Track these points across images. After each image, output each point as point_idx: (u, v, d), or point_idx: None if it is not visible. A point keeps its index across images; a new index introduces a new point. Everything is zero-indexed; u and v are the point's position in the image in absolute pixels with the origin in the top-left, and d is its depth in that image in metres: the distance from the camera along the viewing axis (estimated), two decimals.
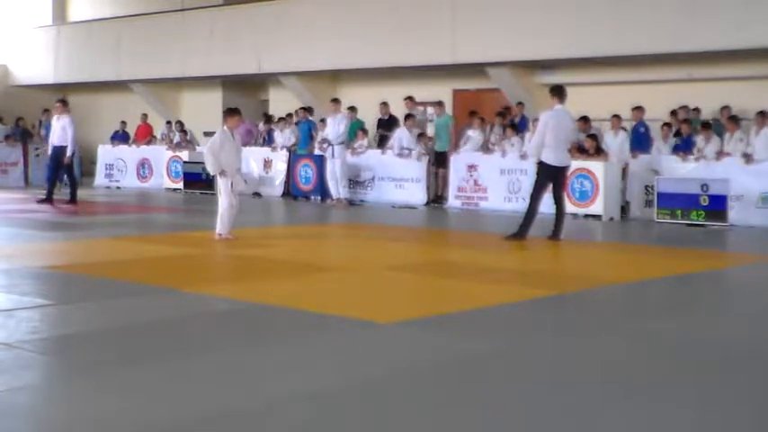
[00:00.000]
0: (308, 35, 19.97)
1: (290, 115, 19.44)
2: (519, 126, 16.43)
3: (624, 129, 15.17)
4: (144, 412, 3.98)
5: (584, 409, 4.15)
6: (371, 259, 9.40)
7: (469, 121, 16.82)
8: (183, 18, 22.92)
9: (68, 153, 15.54)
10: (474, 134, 16.50)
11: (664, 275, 8.44)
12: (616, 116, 15.07)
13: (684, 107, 15.57)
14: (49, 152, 15.98)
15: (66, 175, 16.22)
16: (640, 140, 14.96)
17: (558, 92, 11.04)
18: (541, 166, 10.95)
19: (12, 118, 23.43)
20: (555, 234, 10.91)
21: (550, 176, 10.95)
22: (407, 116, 17.34)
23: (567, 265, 9.57)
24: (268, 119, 20.20)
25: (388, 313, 6.34)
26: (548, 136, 10.77)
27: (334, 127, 16.61)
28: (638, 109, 15.37)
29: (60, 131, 15.55)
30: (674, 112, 15.56)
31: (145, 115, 22.88)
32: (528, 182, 14.24)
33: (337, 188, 16.63)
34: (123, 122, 23.02)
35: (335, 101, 17.13)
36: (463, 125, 17.20)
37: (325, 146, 16.80)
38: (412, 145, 16.85)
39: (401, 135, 17.15)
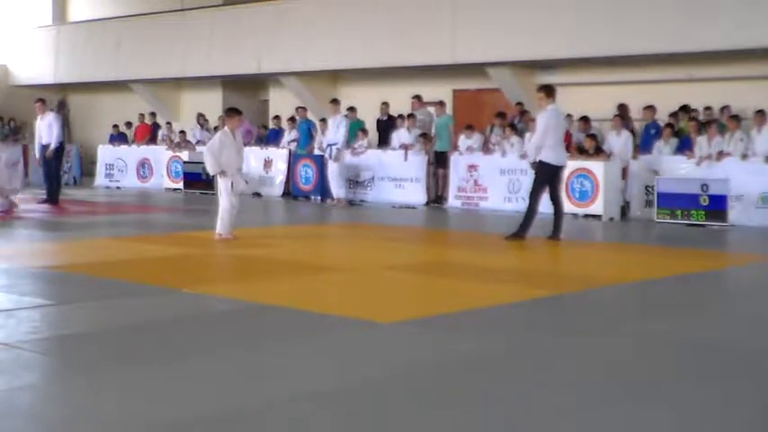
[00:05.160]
0: (308, 35, 19.97)
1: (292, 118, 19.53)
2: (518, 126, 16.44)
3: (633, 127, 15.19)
4: (144, 412, 3.98)
5: (585, 409, 4.15)
6: (371, 259, 9.40)
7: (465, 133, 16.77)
8: (183, 18, 22.92)
9: (52, 147, 15.40)
10: (469, 141, 16.49)
11: (664, 275, 8.43)
12: (618, 116, 15.06)
13: (695, 109, 15.55)
14: (38, 152, 15.91)
15: (48, 172, 15.81)
16: (649, 142, 14.90)
17: (551, 91, 11.10)
18: (542, 166, 10.94)
19: (12, 118, 23.45)
20: (555, 234, 10.92)
21: (550, 176, 10.97)
22: (408, 116, 17.36)
23: (568, 265, 9.57)
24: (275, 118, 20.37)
25: (388, 313, 6.34)
26: (549, 136, 10.80)
27: (333, 129, 16.65)
28: (650, 108, 15.32)
29: (47, 129, 15.51)
30: (675, 114, 15.55)
31: (142, 115, 22.88)
32: (528, 182, 14.24)
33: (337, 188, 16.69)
34: (116, 126, 23.02)
35: (335, 101, 17.15)
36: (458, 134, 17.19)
37: (325, 147, 16.84)
38: (409, 141, 16.85)
39: (399, 135, 17.18)
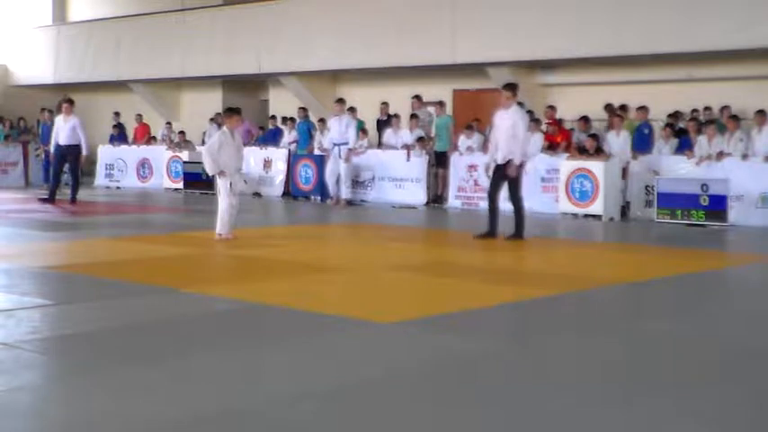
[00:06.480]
0: (308, 35, 19.98)
1: (292, 119, 19.52)
2: None
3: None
4: (144, 412, 3.98)
5: (584, 409, 4.15)
6: (371, 259, 9.40)
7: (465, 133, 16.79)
8: (183, 18, 22.92)
9: (84, 153, 15.65)
10: (469, 141, 16.50)
11: (664, 275, 8.43)
12: (618, 116, 15.05)
13: (695, 110, 15.58)
14: (52, 151, 16.01)
15: (69, 174, 16.20)
16: (644, 141, 14.93)
17: (517, 90, 11.23)
18: (504, 164, 10.95)
19: (12, 118, 23.49)
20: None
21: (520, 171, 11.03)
22: (411, 116, 17.38)
23: (567, 266, 9.56)
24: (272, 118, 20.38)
25: (388, 313, 6.34)
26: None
27: (341, 128, 16.62)
28: (643, 109, 15.33)
29: (69, 131, 15.59)
30: (675, 114, 15.56)
31: (140, 116, 22.87)
32: (528, 181, 14.24)
33: (337, 188, 16.67)
34: (115, 126, 23.05)
35: (341, 101, 17.11)
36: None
37: (331, 146, 16.75)
38: (411, 141, 16.89)
39: (401, 135, 17.24)
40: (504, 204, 11.26)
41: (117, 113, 23.25)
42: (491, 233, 10.86)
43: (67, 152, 15.64)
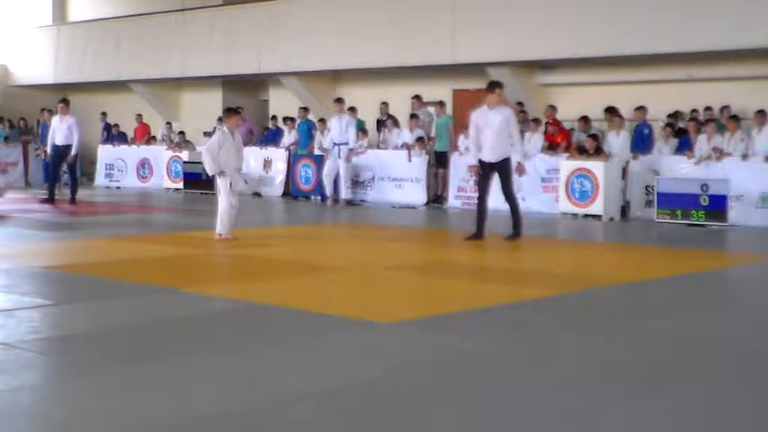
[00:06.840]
0: (308, 35, 19.98)
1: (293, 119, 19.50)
2: None
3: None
4: (144, 412, 3.98)
5: (585, 409, 4.15)
6: (371, 259, 9.40)
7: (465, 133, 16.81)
8: (183, 18, 22.92)
9: (73, 152, 15.61)
10: (468, 141, 16.48)
11: (664, 275, 8.43)
12: (618, 116, 15.04)
13: (695, 110, 15.57)
14: (50, 151, 16.04)
15: (68, 174, 16.26)
16: (644, 141, 14.93)
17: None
18: (509, 162, 10.92)
19: (12, 118, 23.50)
20: (515, 233, 10.82)
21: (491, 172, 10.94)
22: (411, 116, 17.38)
23: (567, 265, 9.56)
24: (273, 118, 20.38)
25: (387, 313, 6.34)
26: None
27: (341, 128, 16.61)
28: (641, 109, 15.33)
29: (66, 131, 15.61)
30: (675, 114, 15.55)
31: (140, 116, 22.86)
32: (528, 181, 14.26)
33: (334, 187, 16.66)
34: (116, 125, 23.06)
35: (340, 100, 17.10)
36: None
37: (331, 146, 16.72)
38: (411, 141, 16.88)
39: (401, 135, 17.24)
40: (503, 204, 11.22)
41: (104, 113, 23.27)
42: (478, 235, 10.82)
43: (65, 152, 15.66)
